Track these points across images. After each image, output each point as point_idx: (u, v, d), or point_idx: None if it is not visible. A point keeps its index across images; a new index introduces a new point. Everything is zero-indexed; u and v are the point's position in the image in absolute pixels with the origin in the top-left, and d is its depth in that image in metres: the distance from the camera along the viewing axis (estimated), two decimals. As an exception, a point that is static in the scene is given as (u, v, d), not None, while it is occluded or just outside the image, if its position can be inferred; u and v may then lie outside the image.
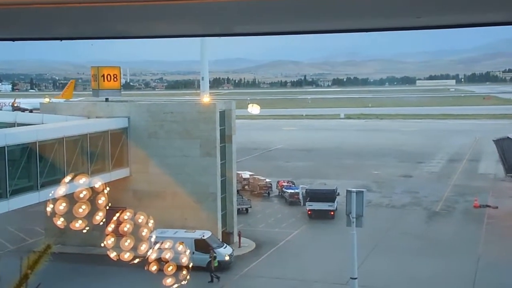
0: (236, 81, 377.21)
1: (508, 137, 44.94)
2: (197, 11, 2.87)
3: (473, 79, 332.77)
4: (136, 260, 8.88)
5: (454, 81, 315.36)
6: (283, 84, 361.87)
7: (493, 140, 47.73)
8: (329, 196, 39.83)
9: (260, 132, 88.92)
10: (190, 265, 10.15)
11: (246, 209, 41.12)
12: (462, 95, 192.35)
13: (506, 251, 30.95)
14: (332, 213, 38.98)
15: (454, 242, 33.47)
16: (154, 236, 9.45)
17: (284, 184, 46.73)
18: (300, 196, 42.51)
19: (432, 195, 45.71)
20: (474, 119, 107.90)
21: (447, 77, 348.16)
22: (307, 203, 40.13)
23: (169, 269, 9.06)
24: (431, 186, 49.47)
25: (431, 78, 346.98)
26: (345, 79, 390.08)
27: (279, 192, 46.65)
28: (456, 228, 37.13)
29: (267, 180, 47.99)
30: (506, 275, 27.64)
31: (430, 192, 46.94)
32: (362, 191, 23.72)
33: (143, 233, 8.74)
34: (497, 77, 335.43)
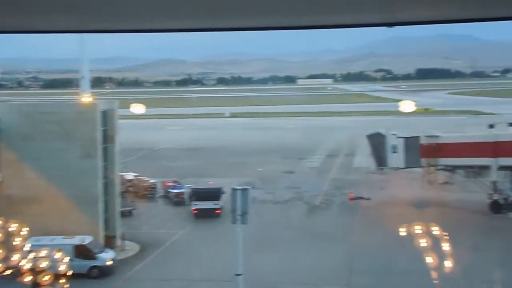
0: (119, 80, 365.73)
1: (379, 133, 48.28)
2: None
3: (349, 78, 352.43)
4: (8, 272, 8.44)
5: (331, 80, 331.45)
6: (167, 83, 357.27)
7: (366, 136, 51.00)
8: (214, 194, 40.23)
9: (145, 132, 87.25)
10: (69, 273, 9.82)
11: (130, 211, 40.25)
12: (339, 93, 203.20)
13: (377, 238, 33.38)
14: (218, 211, 39.42)
15: (333, 233, 35.46)
16: (28, 245, 9.03)
17: (169, 184, 46.36)
18: (186, 196, 42.48)
19: (313, 190, 47.96)
20: (350, 116, 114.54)
21: (325, 76, 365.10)
22: (192, 203, 40.21)
23: (45, 278, 8.72)
24: (311, 181, 51.86)
25: (310, 77, 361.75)
26: (229, 78, 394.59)
27: (164, 193, 46.20)
28: (334, 219, 39.35)
29: (152, 181, 47.28)
30: (379, 260, 29.84)
31: (311, 187, 49.21)
32: (247, 189, 24.29)
33: (15, 242, 8.32)
34: (369, 76, 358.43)
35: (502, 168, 40.06)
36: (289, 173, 56.31)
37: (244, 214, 23.58)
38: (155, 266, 30.18)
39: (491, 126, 42.21)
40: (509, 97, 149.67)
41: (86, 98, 35.92)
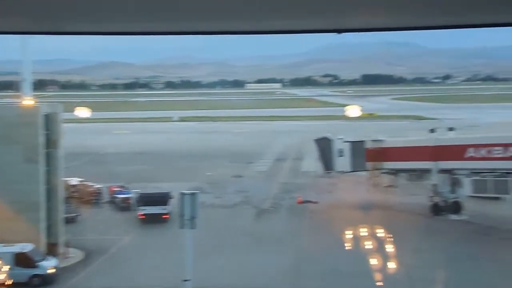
0: (64, 83, 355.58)
1: (326, 137, 49.08)
2: None
3: (297, 83, 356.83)
4: None
5: (280, 84, 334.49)
6: (114, 87, 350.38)
7: (314, 140, 51.73)
8: (162, 199, 39.73)
9: (91, 136, 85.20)
10: (9, 282, 9.42)
11: (75, 218, 39.15)
12: (287, 98, 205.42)
13: (325, 241, 33.89)
14: (165, 216, 38.93)
15: (281, 236, 35.72)
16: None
17: (115, 189, 45.42)
18: (133, 201, 41.74)
19: (261, 194, 48.16)
20: (298, 120, 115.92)
21: (273, 80, 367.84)
22: (139, 208, 39.55)
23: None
24: (260, 185, 52.07)
25: (259, 81, 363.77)
26: (178, 82, 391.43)
27: (110, 198, 45.23)
28: (282, 223, 39.66)
29: (98, 186, 46.19)
30: (326, 262, 30.29)
31: (259, 191, 49.38)
32: (196, 193, 24.14)
33: None
34: (316, 81, 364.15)
35: (442, 171, 41.53)
36: (238, 178, 56.34)
37: (192, 218, 23.40)
38: (99, 274, 29.45)
39: (432, 131, 43.72)
40: (449, 102, 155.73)
41: (28, 101, 34.73)
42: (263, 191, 49.10)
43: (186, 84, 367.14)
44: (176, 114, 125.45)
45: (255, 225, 39.09)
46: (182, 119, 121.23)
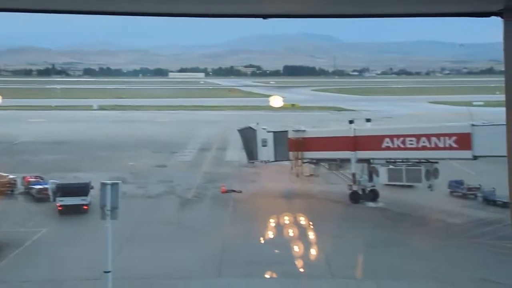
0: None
1: (249, 127, 49.43)
2: None
3: (220, 72, 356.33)
4: None
5: (203, 74, 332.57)
6: (28, 73, 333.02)
7: (237, 130, 51.97)
8: (81, 190, 38.45)
9: (3, 124, 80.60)
10: None
11: (-13, 210, 36.99)
12: (211, 87, 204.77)
13: (248, 230, 34.25)
14: (85, 207, 37.75)
15: (205, 226, 35.67)
16: None
17: (31, 179, 43.35)
18: (50, 192, 40.02)
19: (185, 183, 47.79)
20: (222, 110, 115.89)
21: (197, 70, 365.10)
22: (57, 199, 38.03)
23: None
24: (184, 175, 51.63)
25: (182, 70, 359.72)
26: (97, 69, 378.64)
27: (25, 189, 43.11)
28: (207, 213, 39.60)
29: (11, 176, 43.87)
30: (248, 252, 30.60)
31: (183, 180, 48.98)
32: (117, 183, 23.50)
33: None
34: (240, 71, 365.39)
35: (360, 160, 43.14)
36: (161, 167, 55.54)
37: (113, 209, 22.79)
38: (14, 268, 28.02)
39: (351, 122, 45.26)
40: (366, 94, 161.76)
41: None
42: (187, 181, 48.72)
43: (106, 72, 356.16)
44: (96, 102, 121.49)
45: (179, 215, 38.77)
46: (102, 108, 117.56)
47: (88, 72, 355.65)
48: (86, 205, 37.86)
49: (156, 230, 34.66)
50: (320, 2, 2.01)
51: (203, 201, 42.90)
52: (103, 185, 23.08)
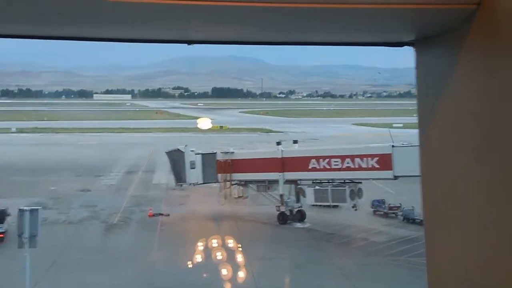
0: None
1: (177, 149, 48.93)
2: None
3: (147, 94, 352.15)
4: None
5: (130, 96, 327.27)
6: None
7: (165, 152, 51.29)
8: (-3, 217, 36.37)
9: None
10: None
11: None
12: (138, 109, 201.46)
13: (176, 254, 33.63)
14: (0, 235, 35.68)
15: (131, 252, 34.62)
16: None
17: None
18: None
19: (110, 208, 46.36)
20: (149, 133, 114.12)
21: (123, 91, 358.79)
22: (-32, 228, 35.74)
23: None
24: (109, 199, 50.11)
25: (108, 92, 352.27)
26: (16, 91, 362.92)
27: None
28: (133, 238, 38.50)
29: None
30: (179, 276, 30.00)
31: (108, 205, 47.51)
32: (37, 209, 22.47)
33: None
34: (167, 93, 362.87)
35: (288, 182, 43.76)
36: (84, 192, 53.61)
37: (32, 237, 21.73)
38: None
39: (279, 143, 45.92)
40: (293, 116, 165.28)
41: None
42: (112, 205, 47.28)
43: (26, 93, 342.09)
44: (14, 125, 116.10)
45: (104, 241, 37.43)
46: (21, 131, 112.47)
47: (6, 93, 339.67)
48: (1, 233, 35.78)
49: (78, 257, 33.21)
50: (244, 30, 2.03)
51: (129, 226, 41.73)
52: (21, 211, 21.98)
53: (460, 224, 1.94)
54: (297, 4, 1.64)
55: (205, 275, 30.28)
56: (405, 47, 2.10)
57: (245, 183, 46.17)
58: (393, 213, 44.51)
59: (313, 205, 43.21)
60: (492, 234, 1.73)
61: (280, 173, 43.08)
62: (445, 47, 1.87)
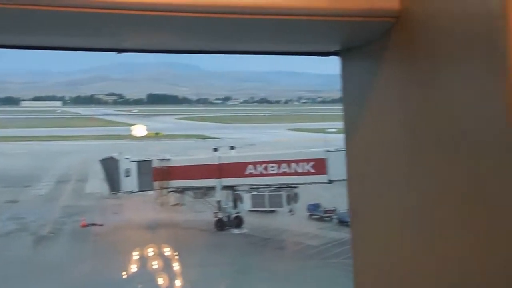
0: None
1: (111, 157, 47.85)
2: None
3: (79, 101, 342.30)
4: None
5: (60, 102, 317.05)
6: None
7: (99, 160, 50.02)
8: None
9: None
10: None
11: None
12: (69, 116, 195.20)
13: (109, 265, 32.81)
14: None
15: (62, 264, 33.46)
16: None
17: None
18: None
19: (40, 219, 44.63)
20: (82, 140, 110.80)
21: (53, 98, 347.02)
22: None
23: None
24: (38, 209, 48.20)
25: (36, 99, 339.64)
26: None
27: None
28: (63, 249, 37.22)
29: None
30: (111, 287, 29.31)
31: (38, 216, 45.70)
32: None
33: None
34: (100, 99, 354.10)
35: (225, 188, 43.78)
36: (12, 203, 51.26)
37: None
38: None
39: (215, 149, 45.88)
40: (229, 122, 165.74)
41: None
42: (42, 216, 45.52)
43: None
44: None
45: (33, 254, 35.93)
46: None
47: None
48: None
49: (6, 272, 31.71)
50: (177, 39, 2.06)
51: (60, 237, 40.31)
52: None
53: (385, 227, 2.04)
54: (227, 15, 1.69)
55: (140, 286, 29.72)
56: (332, 56, 2.20)
57: (182, 190, 45.80)
58: (328, 216, 45.52)
59: (251, 210, 43.48)
60: (416, 236, 1.84)
61: (217, 180, 43.06)
62: (367, 58, 1.98)
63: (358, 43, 1.97)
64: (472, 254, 1.57)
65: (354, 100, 2.10)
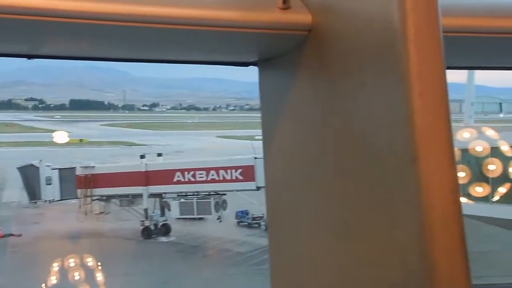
0: None
1: (32, 164, 45.86)
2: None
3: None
4: None
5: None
6: None
7: (17, 168, 47.81)
8: None
9: None
10: None
11: None
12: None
13: (27, 279, 31.38)
14: None
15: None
16: None
17: None
18: None
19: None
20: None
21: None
22: None
23: None
24: None
25: None
26: None
27: None
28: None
29: None
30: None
31: None
32: None
33: None
34: (19, 104, 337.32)
35: (152, 195, 43.13)
36: None
37: None
38: None
39: (142, 156, 45.11)
40: (157, 129, 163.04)
41: None
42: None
43: None
44: None
45: None
46: None
47: None
48: None
49: None
50: (98, 46, 2.06)
51: (-26, 250, 38.03)
52: None
53: (300, 233, 2.12)
54: (145, 24, 1.75)
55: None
56: (251, 66, 2.30)
57: (107, 198, 44.64)
58: (257, 223, 45.88)
59: (179, 218, 43.09)
60: (329, 240, 1.92)
61: (144, 187, 42.38)
62: (283, 68, 2.09)
63: (275, 54, 2.08)
64: (382, 254, 1.65)
65: (271, 109, 2.21)
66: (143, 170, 42.81)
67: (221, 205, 41.62)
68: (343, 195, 1.81)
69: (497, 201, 26.93)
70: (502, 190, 25.87)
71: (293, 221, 2.14)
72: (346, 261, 1.82)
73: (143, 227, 42.34)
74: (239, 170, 40.02)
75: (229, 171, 40.46)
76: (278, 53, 2.04)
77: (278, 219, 2.27)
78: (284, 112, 2.10)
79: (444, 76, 1.53)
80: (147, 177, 42.50)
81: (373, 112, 1.66)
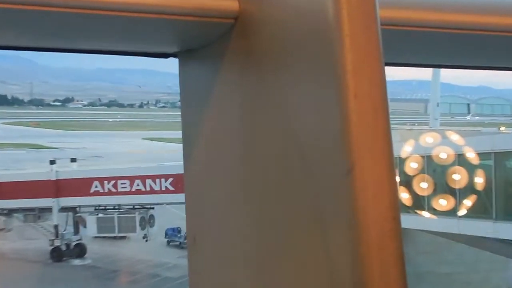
0: None
1: None
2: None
3: None
4: None
5: None
6: None
7: None
8: None
9: None
10: None
11: None
12: None
13: None
14: None
15: None
16: None
17: None
18: None
19: None
20: None
21: None
22: None
23: None
24: None
25: None
26: None
27: None
28: None
29: None
30: None
31: None
32: None
33: None
34: None
35: (64, 209, 42.21)
36: None
37: None
38: None
39: (52, 162, 44.14)
40: (71, 129, 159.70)
41: None
42: None
43: None
44: None
45: None
46: None
47: None
48: None
49: None
50: (10, 34, 2.05)
51: None
52: None
53: (222, 254, 2.15)
54: (54, 8, 1.74)
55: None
56: (171, 58, 2.32)
57: (9, 213, 43.65)
58: (190, 242, 45.78)
59: (96, 236, 42.51)
60: (254, 262, 1.95)
61: (54, 199, 41.48)
62: (206, 60, 2.11)
63: (196, 45, 2.10)
64: (312, 277, 1.66)
65: (193, 108, 2.23)
66: (53, 178, 41.91)
67: (147, 221, 41.30)
68: (269, 211, 1.82)
69: (464, 216, 27.93)
70: (468, 203, 26.81)
71: (214, 242, 2.13)
72: (273, 286, 1.83)
73: (52, 247, 41.56)
74: (170, 179, 39.78)
75: (157, 180, 40.19)
76: (200, 43, 2.05)
77: (198, 239, 2.28)
78: (207, 112, 2.10)
79: (382, 74, 1.56)
80: (57, 187, 41.61)
81: (304, 114, 1.68)
